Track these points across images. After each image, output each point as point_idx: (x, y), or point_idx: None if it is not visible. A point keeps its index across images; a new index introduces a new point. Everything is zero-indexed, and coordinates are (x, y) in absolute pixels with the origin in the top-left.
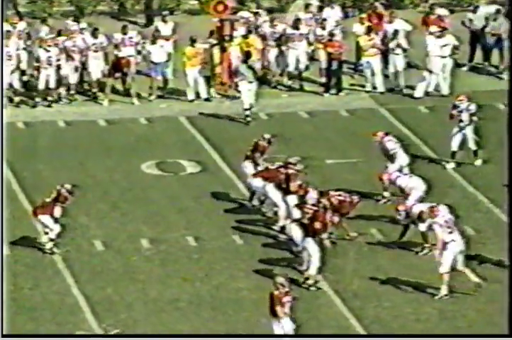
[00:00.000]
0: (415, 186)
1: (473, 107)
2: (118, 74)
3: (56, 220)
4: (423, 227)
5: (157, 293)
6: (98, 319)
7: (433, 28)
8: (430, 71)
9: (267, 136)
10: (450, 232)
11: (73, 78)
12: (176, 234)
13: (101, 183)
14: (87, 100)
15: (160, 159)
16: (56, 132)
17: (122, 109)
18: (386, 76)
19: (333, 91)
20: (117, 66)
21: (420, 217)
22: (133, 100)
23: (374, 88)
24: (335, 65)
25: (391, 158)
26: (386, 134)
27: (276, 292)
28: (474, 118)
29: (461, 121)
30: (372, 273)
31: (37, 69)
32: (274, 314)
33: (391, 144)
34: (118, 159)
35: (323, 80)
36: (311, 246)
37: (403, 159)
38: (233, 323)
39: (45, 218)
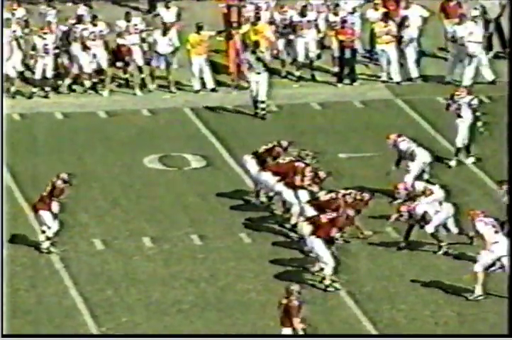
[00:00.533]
0: (434, 191)
1: (475, 102)
2: (119, 63)
3: (55, 217)
4: (430, 228)
5: (160, 295)
6: (98, 322)
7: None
8: (471, 56)
9: (285, 143)
10: (496, 232)
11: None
12: (180, 233)
13: (100, 178)
14: (86, 90)
15: (163, 152)
16: (53, 124)
17: (123, 100)
18: (402, 65)
19: (347, 81)
20: (118, 55)
21: (424, 218)
22: (135, 91)
23: (391, 78)
24: (348, 53)
25: (410, 157)
26: (399, 135)
27: (294, 303)
28: (477, 114)
29: (459, 116)
30: (387, 273)
31: (34, 57)
32: (288, 324)
33: (404, 144)
34: (118, 153)
35: (336, 69)
36: (318, 246)
37: (423, 156)
38: (240, 326)
39: (46, 214)
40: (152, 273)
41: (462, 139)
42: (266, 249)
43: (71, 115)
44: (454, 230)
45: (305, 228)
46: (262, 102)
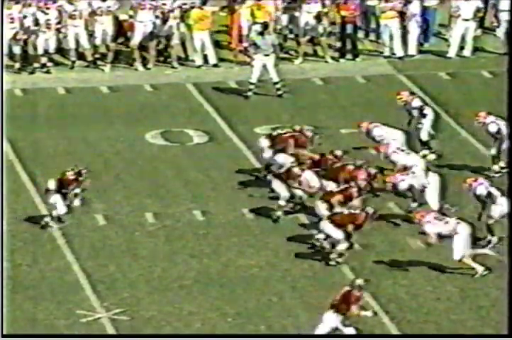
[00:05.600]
0: (412, 164)
1: (417, 102)
2: (121, 39)
3: (65, 198)
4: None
5: (162, 271)
6: (100, 297)
7: None
8: None
9: (339, 153)
10: (447, 222)
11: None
12: (182, 208)
13: (102, 153)
14: (88, 66)
15: (166, 128)
16: (55, 99)
17: (125, 75)
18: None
19: (349, 56)
20: (120, 30)
21: (411, 191)
22: (137, 66)
23: (393, 53)
24: (349, 29)
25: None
26: (371, 122)
27: (356, 293)
28: (425, 111)
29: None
30: (389, 248)
31: (35, 33)
32: (341, 311)
33: (378, 130)
34: (121, 129)
35: (338, 44)
36: (330, 229)
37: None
38: (242, 302)
39: (56, 197)
40: (154, 249)
41: (425, 133)
42: (269, 225)
43: (73, 91)
44: (434, 207)
45: (322, 208)
46: (276, 83)
